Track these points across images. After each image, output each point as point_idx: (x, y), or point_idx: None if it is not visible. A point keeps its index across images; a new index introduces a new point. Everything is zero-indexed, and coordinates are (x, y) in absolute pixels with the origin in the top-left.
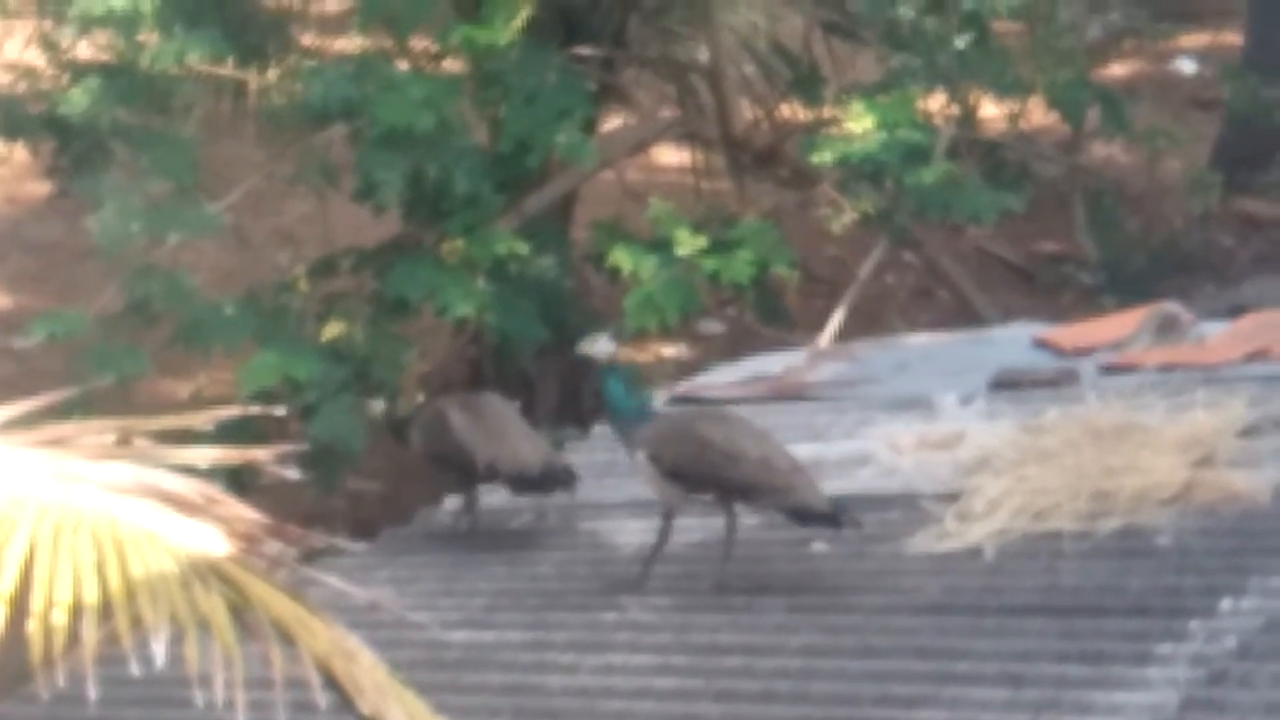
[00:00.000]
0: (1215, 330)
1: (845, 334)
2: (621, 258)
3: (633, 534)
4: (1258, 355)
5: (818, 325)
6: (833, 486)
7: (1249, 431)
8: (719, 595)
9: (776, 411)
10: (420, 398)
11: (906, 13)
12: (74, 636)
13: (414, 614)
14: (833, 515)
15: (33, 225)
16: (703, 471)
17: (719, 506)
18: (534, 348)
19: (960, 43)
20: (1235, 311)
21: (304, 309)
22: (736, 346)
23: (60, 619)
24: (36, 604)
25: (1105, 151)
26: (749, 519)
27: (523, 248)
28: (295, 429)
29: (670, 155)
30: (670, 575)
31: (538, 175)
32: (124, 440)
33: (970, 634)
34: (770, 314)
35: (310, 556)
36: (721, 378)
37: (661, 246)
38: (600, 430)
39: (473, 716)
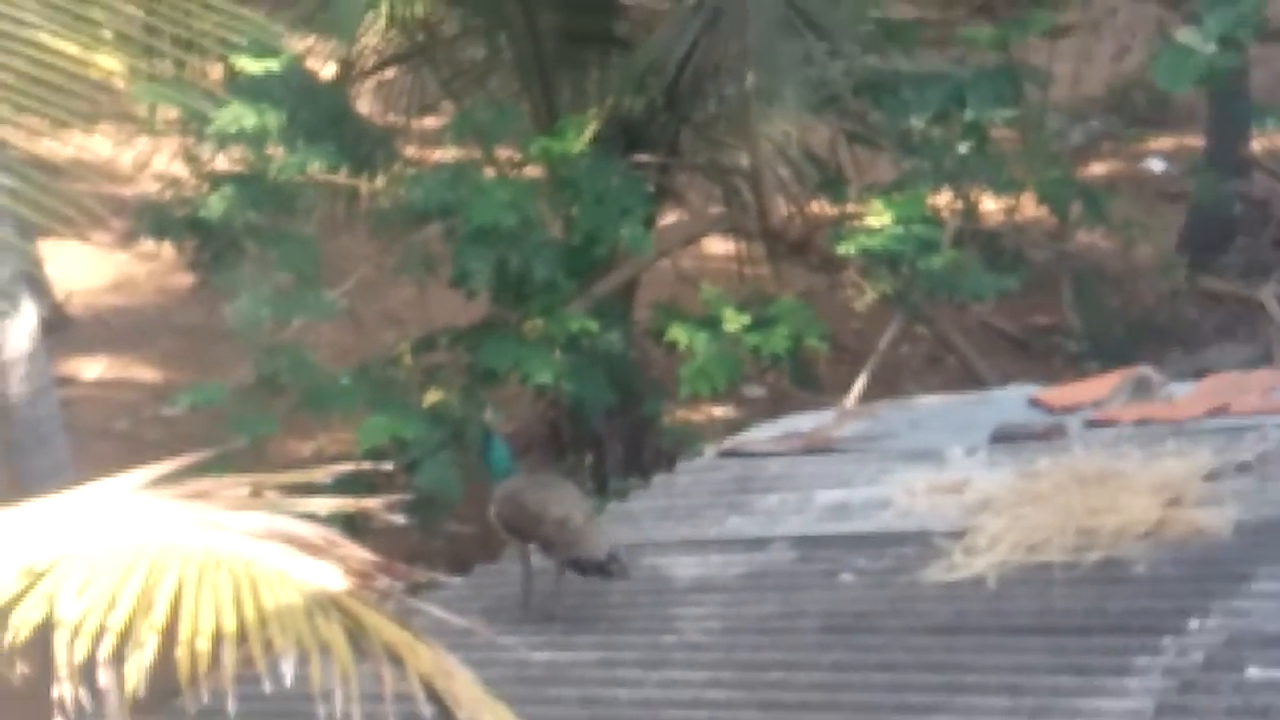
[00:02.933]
0: (1182, 390)
1: (867, 396)
2: (677, 333)
3: (686, 567)
4: (1219, 411)
5: (844, 389)
6: (856, 526)
7: (1212, 476)
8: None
9: (809, 463)
10: None
11: (917, 123)
12: (215, 660)
13: (503, 637)
14: (603, 565)
15: (178, 311)
16: (519, 528)
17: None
18: (603, 410)
19: (963, 148)
20: (1199, 374)
21: (408, 379)
22: (776, 408)
23: (203, 645)
24: (184, 633)
25: (1087, 239)
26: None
27: (592, 326)
28: (401, 481)
29: (717, 246)
30: (719, 603)
31: (605, 264)
32: (256, 493)
33: (975, 651)
34: (804, 380)
35: (414, 589)
36: (762, 434)
37: (711, 324)
38: (659, 480)
39: None
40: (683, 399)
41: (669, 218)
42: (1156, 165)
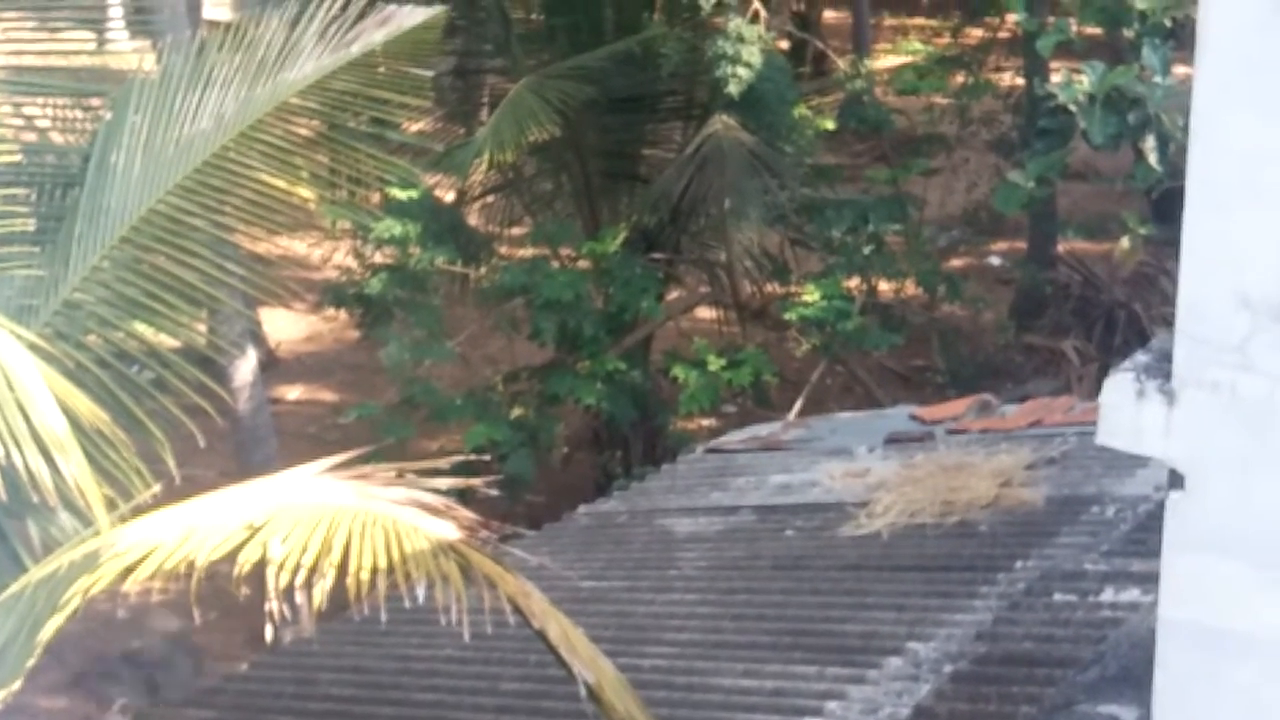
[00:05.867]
0: (1011, 410)
1: (803, 413)
2: (678, 371)
3: (683, 525)
4: (1036, 423)
5: (788, 408)
6: (795, 499)
7: (1031, 466)
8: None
9: (765, 457)
10: (565, 450)
11: (837, 233)
12: (372, 585)
13: (562, 571)
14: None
15: (349, 355)
16: None
17: None
18: (629, 421)
19: (867, 250)
20: (1022, 399)
21: (500, 400)
22: (743, 420)
23: (365, 575)
24: (352, 567)
25: (949, 309)
26: (747, 517)
27: (623, 365)
28: (495, 467)
29: (705, 313)
30: (705, 550)
31: (630, 325)
32: (399, 474)
33: (874, 582)
34: (762, 402)
35: (504, 539)
36: (735, 437)
37: (700, 364)
38: (666, 467)
39: (594, 630)
40: (682, 414)
41: (673, 294)
42: (995, 260)
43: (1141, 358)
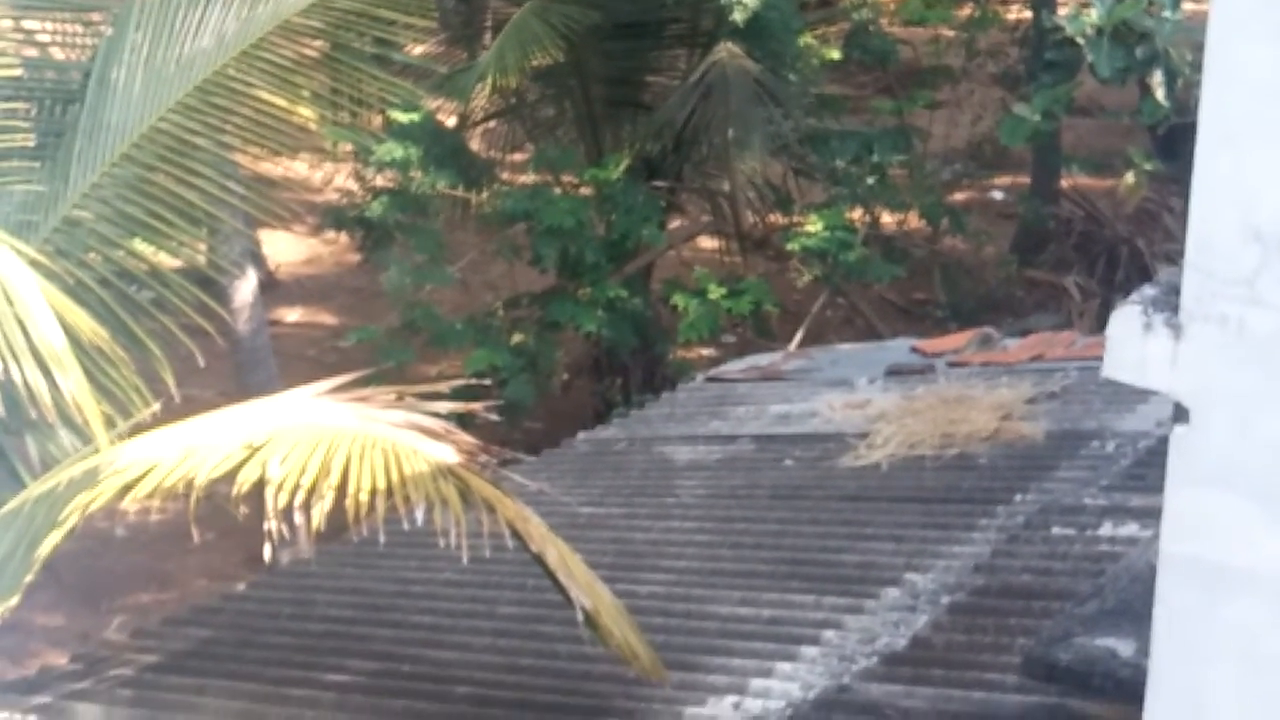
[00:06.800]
0: (1012, 343)
1: (803, 343)
2: (679, 299)
3: (682, 453)
4: (1037, 358)
5: (788, 338)
6: (795, 429)
7: (1032, 400)
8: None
9: (765, 387)
10: (565, 376)
11: (840, 164)
12: (371, 507)
13: (560, 497)
14: None
15: (350, 277)
16: None
17: None
18: (629, 349)
19: (870, 181)
20: (1024, 333)
21: (500, 326)
22: (743, 350)
23: (364, 498)
24: (351, 489)
25: (951, 242)
26: (746, 446)
27: (623, 293)
28: (495, 393)
29: (707, 242)
30: (704, 478)
31: (632, 253)
32: (399, 398)
33: (872, 513)
34: (762, 332)
35: (503, 464)
36: (734, 367)
37: (701, 293)
38: (666, 395)
39: (591, 556)
40: (681, 342)
41: (675, 223)
42: (997, 194)
43: (1149, 291)
